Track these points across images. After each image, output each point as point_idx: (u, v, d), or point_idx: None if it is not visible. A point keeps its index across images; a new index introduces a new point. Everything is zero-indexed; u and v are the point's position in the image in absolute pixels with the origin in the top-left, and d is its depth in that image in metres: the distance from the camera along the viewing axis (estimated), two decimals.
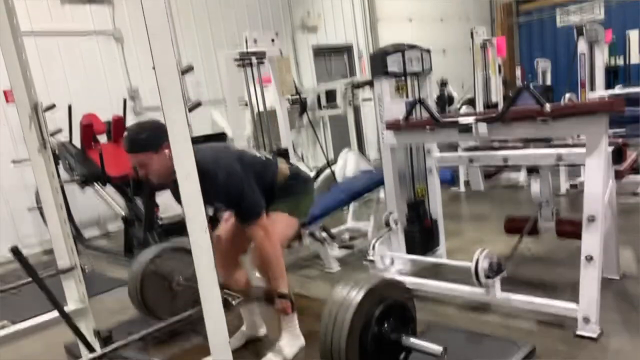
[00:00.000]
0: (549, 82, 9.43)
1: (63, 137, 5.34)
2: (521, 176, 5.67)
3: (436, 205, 3.39)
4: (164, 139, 1.43)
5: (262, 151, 2.54)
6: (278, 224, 2.39)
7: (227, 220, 2.57)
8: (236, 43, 6.87)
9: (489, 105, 6.22)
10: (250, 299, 2.63)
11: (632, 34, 9.99)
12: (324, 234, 3.62)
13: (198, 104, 4.20)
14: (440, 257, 3.46)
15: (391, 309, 1.90)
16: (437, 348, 1.83)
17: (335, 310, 1.86)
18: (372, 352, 1.85)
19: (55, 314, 2.10)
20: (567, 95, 4.99)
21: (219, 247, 2.54)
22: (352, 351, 1.81)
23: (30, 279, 1.97)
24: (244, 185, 2.23)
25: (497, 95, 6.30)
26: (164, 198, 5.84)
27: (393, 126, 3.01)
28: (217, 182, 2.16)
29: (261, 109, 3.93)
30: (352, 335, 1.81)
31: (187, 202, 1.45)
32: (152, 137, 2.14)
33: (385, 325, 1.89)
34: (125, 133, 2.22)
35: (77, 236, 5.30)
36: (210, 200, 2.24)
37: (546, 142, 3.08)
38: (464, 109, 6.16)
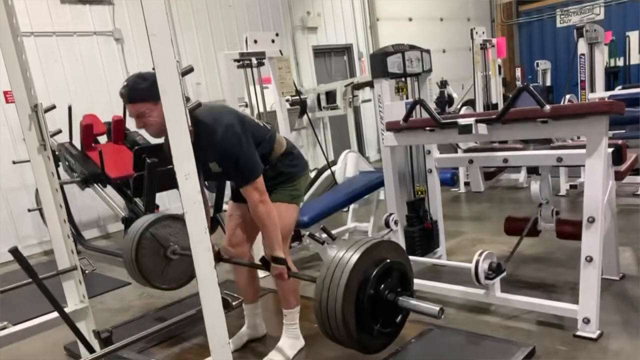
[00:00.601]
0: (549, 82, 9.46)
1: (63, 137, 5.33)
2: (521, 177, 5.67)
3: (436, 206, 3.38)
4: None
5: (261, 120, 2.50)
6: (281, 216, 2.34)
7: (231, 215, 2.57)
8: (236, 43, 6.90)
9: (488, 106, 6.23)
10: (254, 299, 2.64)
11: (632, 35, 10.02)
12: (323, 235, 3.61)
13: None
14: (440, 258, 3.46)
15: (389, 270, 1.87)
16: (434, 308, 1.80)
17: (332, 267, 1.81)
18: (368, 312, 1.81)
19: (55, 314, 2.10)
20: (568, 97, 5.00)
21: (229, 236, 2.54)
22: (349, 309, 1.77)
23: (30, 280, 1.97)
24: (242, 143, 2.18)
25: (497, 96, 6.31)
26: (164, 199, 5.88)
27: (393, 127, 3.00)
28: (215, 138, 2.12)
29: (261, 109, 3.92)
30: (348, 293, 1.76)
31: (188, 202, 1.44)
32: (153, 87, 1.98)
33: (383, 285, 1.85)
34: (125, 82, 2.14)
35: (77, 237, 5.30)
36: (207, 158, 2.21)
37: (546, 142, 3.08)
38: (463, 110, 6.16)
